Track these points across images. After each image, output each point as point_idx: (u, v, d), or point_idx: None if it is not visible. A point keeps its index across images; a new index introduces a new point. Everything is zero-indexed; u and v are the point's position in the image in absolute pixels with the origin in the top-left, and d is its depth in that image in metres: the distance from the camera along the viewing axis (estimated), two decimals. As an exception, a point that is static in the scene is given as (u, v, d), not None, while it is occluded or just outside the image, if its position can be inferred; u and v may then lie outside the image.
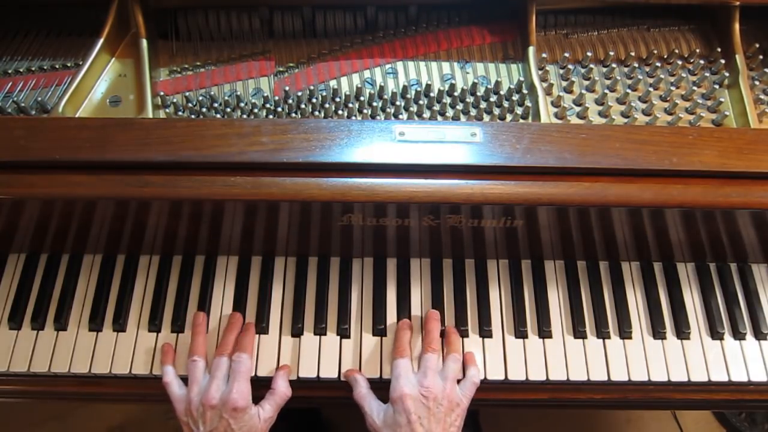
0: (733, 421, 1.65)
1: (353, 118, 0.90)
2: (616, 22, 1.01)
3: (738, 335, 0.88)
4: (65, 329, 0.88)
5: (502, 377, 0.85)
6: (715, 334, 0.88)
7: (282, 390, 0.82)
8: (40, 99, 0.89)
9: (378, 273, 0.92)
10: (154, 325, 0.88)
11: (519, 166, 0.76)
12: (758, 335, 0.89)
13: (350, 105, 0.90)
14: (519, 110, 0.89)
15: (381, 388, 0.86)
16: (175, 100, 0.91)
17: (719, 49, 0.97)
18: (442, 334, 0.87)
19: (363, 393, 0.81)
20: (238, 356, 0.81)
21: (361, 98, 0.91)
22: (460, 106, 0.90)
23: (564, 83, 0.94)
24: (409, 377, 0.79)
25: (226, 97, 0.92)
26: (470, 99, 0.91)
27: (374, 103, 0.91)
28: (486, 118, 0.90)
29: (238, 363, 0.80)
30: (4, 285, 0.91)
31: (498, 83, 0.92)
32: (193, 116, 0.90)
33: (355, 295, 0.91)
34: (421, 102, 0.90)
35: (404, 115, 0.90)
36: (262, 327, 0.88)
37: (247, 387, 0.79)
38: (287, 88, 0.91)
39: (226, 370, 0.80)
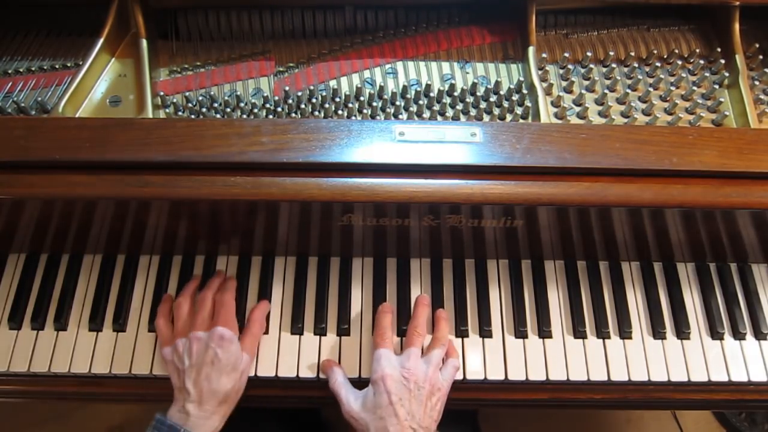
0: (733, 421, 1.65)
1: (353, 118, 0.90)
2: (616, 22, 1.01)
3: (738, 335, 0.88)
4: (65, 329, 0.88)
5: (502, 377, 0.85)
6: (715, 334, 0.88)
7: (258, 322, 0.84)
8: (40, 99, 0.89)
9: (378, 273, 0.92)
10: (155, 325, 0.87)
11: (519, 166, 0.76)
12: (758, 335, 0.89)
13: (350, 105, 0.90)
14: (519, 110, 0.89)
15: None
16: (175, 100, 0.91)
17: (719, 49, 0.97)
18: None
19: (339, 381, 0.81)
20: (223, 290, 0.83)
21: (361, 98, 0.91)
22: (460, 106, 0.90)
23: (564, 83, 0.94)
24: (391, 359, 0.79)
25: (226, 97, 0.92)
26: (470, 99, 0.91)
27: (374, 103, 0.91)
28: (486, 118, 0.90)
29: (222, 295, 0.82)
30: (4, 285, 0.91)
31: (498, 83, 0.92)
32: (193, 116, 0.90)
33: (355, 295, 0.91)
34: (421, 102, 0.90)
35: (404, 115, 0.90)
36: (262, 327, 0.88)
37: (233, 318, 0.81)
38: (287, 88, 0.91)
39: (210, 307, 0.82)
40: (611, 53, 0.96)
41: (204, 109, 0.91)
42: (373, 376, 0.78)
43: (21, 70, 0.94)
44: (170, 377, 0.79)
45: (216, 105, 0.91)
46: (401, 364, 0.78)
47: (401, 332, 0.88)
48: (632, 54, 0.96)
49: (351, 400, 0.78)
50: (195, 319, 0.80)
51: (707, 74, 0.95)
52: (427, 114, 0.91)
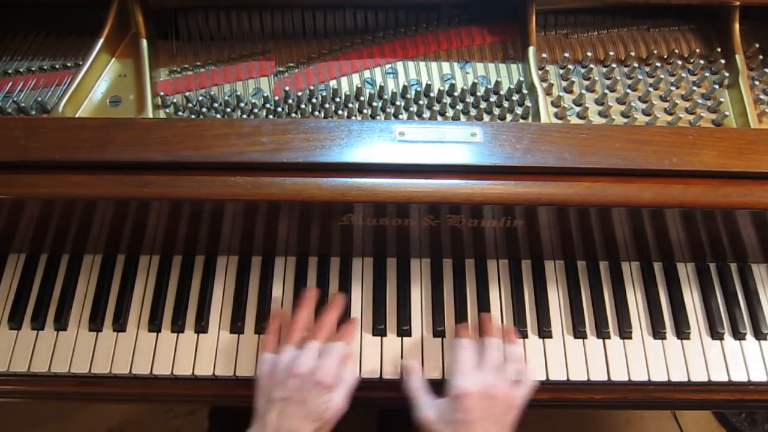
0: (733, 421, 1.65)
1: (353, 118, 0.90)
2: (616, 22, 1.01)
3: (738, 335, 0.88)
4: (65, 329, 0.88)
5: (502, 377, 0.85)
6: (715, 334, 0.88)
7: (350, 376, 0.80)
8: (40, 99, 0.89)
9: (378, 273, 0.92)
10: (154, 325, 0.88)
11: (519, 166, 0.76)
12: (758, 335, 0.89)
13: (350, 105, 0.90)
14: (519, 110, 0.89)
15: (381, 387, 0.87)
16: (175, 100, 0.91)
17: (719, 49, 0.97)
18: None
19: (417, 384, 0.80)
20: (339, 337, 0.81)
21: (361, 98, 0.91)
22: (460, 106, 0.90)
23: (564, 83, 0.95)
24: (470, 374, 0.77)
25: (226, 97, 0.92)
26: (470, 99, 0.91)
27: (374, 103, 0.91)
28: (486, 118, 0.90)
29: (333, 345, 0.79)
30: (4, 285, 0.91)
31: (498, 83, 0.92)
32: (193, 116, 0.90)
33: (355, 295, 0.91)
34: (421, 102, 0.90)
35: (404, 115, 0.90)
36: (262, 327, 0.87)
37: (336, 368, 0.77)
38: (287, 88, 0.91)
39: (317, 349, 0.79)
40: (611, 53, 0.96)
41: (204, 109, 0.91)
42: (454, 391, 0.76)
43: (21, 70, 0.94)
44: (256, 399, 0.77)
45: (216, 105, 0.91)
46: (481, 380, 0.76)
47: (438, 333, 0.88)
48: (632, 54, 0.96)
49: (427, 406, 0.77)
50: (301, 354, 0.77)
51: (707, 74, 0.95)
52: (427, 114, 0.91)
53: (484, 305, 0.89)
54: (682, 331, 0.88)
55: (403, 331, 0.88)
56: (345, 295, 0.89)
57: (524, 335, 0.88)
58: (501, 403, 0.75)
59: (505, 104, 0.91)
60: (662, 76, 0.95)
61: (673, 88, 0.94)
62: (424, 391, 0.80)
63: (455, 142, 0.77)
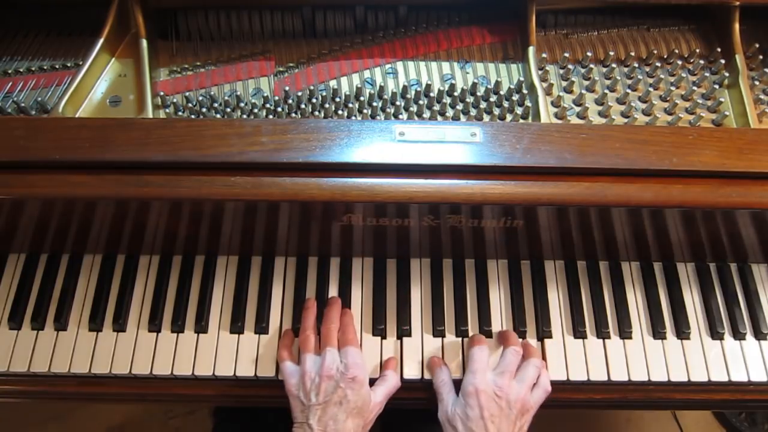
0: (733, 421, 1.65)
1: (353, 118, 0.90)
2: (616, 22, 1.01)
3: (738, 335, 0.88)
4: (65, 329, 0.88)
5: (502, 377, 0.85)
6: (715, 334, 0.88)
7: (393, 379, 0.82)
8: (40, 99, 0.89)
9: (378, 273, 0.92)
10: (154, 325, 0.88)
11: (519, 166, 0.76)
12: (758, 335, 0.89)
13: (350, 105, 0.90)
14: (519, 110, 0.89)
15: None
16: (175, 100, 0.91)
17: (719, 49, 0.97)
18: None
19: (444, 380, 0.81)
20: (344, 329, 0.83)
21: (361, 98, 0.91)
22: (460, 106, 0.90)
23: (564, 83, 0.94)
24: (486, 375, 0.78)
25: (226, 97, 0.92)
26: (470, 99, 0.91)
27: (374, 103, 0.91)
28: (486, 118, 0.90)
29: (346, 335, 0.82)
30: (4, 285, 0.91)
31: (498, 83, 0.92)
32: (193, 116, 0.90)
33: (355, 295, 0.91)
34: (421, 102, 0.90)
35: (404, 115, 0.90)
36: (261, 327, 0.87)
37: (362, 359, 0.80)
38: (287, 88, 0.91)
39: (336, 352, 0.80)
40: (611, 53, 0.96)
41: (204, 109, 0.91)
42: (467, 388, 0.77)
43: (21, 70, 0.94)
44: (292, 411, 0.78)
45: (216, 105, 0.91)
46: (495, 381, 0.78)
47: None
48: (632, 54, 0.96)
49: (450, 403, 0.78)
50: (325, 357, 0.78)
51: (707, 74, 0.95)
52: (427, 114, 0.91)
53: (484, 305, 0.89)
54: (682, 331, 0.88)
55: (403, 331, 0.88)
56: (340, 297, 0.89)
57: (524, 335, 0.88)
58: (514, 404, 0.76)
59: (505, 104, 0.91)
60: (662, 76, 0.95)
61: (673, 88, 0.94)
62: (450, 387, 0.81)
63: (455, 142, 0.77)
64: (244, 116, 0.90)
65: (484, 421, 0.74)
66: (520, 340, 0.86)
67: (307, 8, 0.98)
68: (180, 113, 0.90)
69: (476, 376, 0.78)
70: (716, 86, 0.94)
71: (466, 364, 0.84)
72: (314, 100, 0.91)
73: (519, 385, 0.78)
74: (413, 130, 0.78)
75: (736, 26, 0.94)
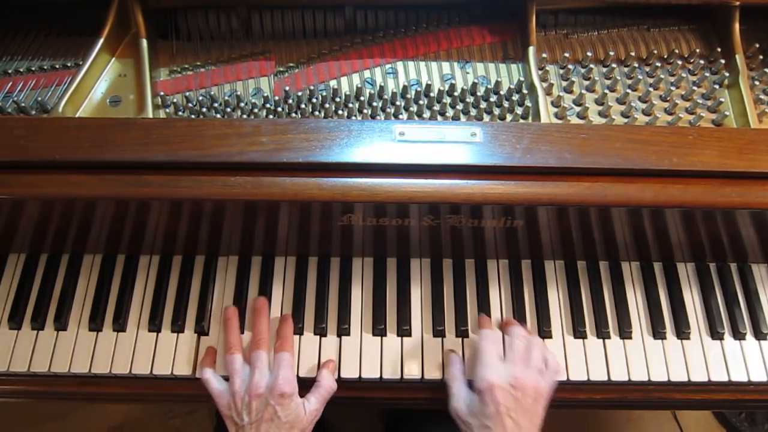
0: (733, 421, 1.65)
1: (353, 118, 0.90)
2: (616, 22, 1.01)
3: (738, 335, 0.88)
4: (65, 329, 0.88)
5: (502, 377, 0.85)
6: (715, 334, 0.88)
7: (327, 383, 0.82)
8: (40, 99, 0.89)
9: (378, 273, 0.92)
10: (154, 325, 0.88)
11: (519, 166, 0.76)
12: (758, 335, 0.89)
13: (350, 105, 0.90)
14: (519, 110, 0.89)
15: (380, 387, 0.87)
16: (175, 100, 0.91)
17: (719, 49, 0.97)
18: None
19: (455, 374, 0.81)
20: (281, 346, 0.82)
21: (361, 98, 0.91)
22: (460, 106, 0.90)
23: (564, 83, 0.94)
24: (498, 367, 0.77)
25: (226, 97, 0.92)
26: (470, 99, 0.91)
27: (374, 103, 0.91)
28: (486, 118, 0.90)
29: (280, 352, 0.81)
30: (4, 285, 0.91)
31: (498, 83, 0.92)
32: (193, 116, 0.90)
33: (355, 295, 0.91)
34: (421, 102, 0.90)
35: (404, 115, 0.90)
36: (262, 327, 0.88)
37: (292, 375, 0.79)
38: (287, 88, 0.91)
39: (266, 360, 0.80)
40: (611, 53, 0.96)
41: (204, 109, 0.91)
42: (480, 384, 0.75)
43: (21, 70, 0.94)
44: (228, 428, 0.78)
45: (216, 105, 0.91)
46: (508, 372, 0.76)
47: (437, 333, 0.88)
48: (632, 54, 0.96)
49: (461, 398, 0.78)
50: (253, 375, 0.78)
51: (707, 74, 0.95)
52: (427, 114, 0.91)
53: (484, 305, 0.89)
54: (682, 331, 0.88)
55: (403, 331, 0.88)
56: (265, 297, 0.89)
57: (524, 335, 0.88)
58: (529, 392, 0.75)
59: (505, 104, 0.91)
60: (662, 76, 0.95)
61: (673, 88, 0.94)
62: (462, 381, 0.80)
63: (455, 142, 0.77)
64: (244, 116, 0.90)
65: (501, 416, 0.73)
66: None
67: (307, 8, 0.98)
68: (180, 113, 0.90)
69: (487, 369, 0.76)
70: (716, 86, 0.94)
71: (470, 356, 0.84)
72: (314, 100, 0.91)
73: (529, 371, 0.77)
74: (413, 130, 0.78)
75: (736, 26, 0.94)
